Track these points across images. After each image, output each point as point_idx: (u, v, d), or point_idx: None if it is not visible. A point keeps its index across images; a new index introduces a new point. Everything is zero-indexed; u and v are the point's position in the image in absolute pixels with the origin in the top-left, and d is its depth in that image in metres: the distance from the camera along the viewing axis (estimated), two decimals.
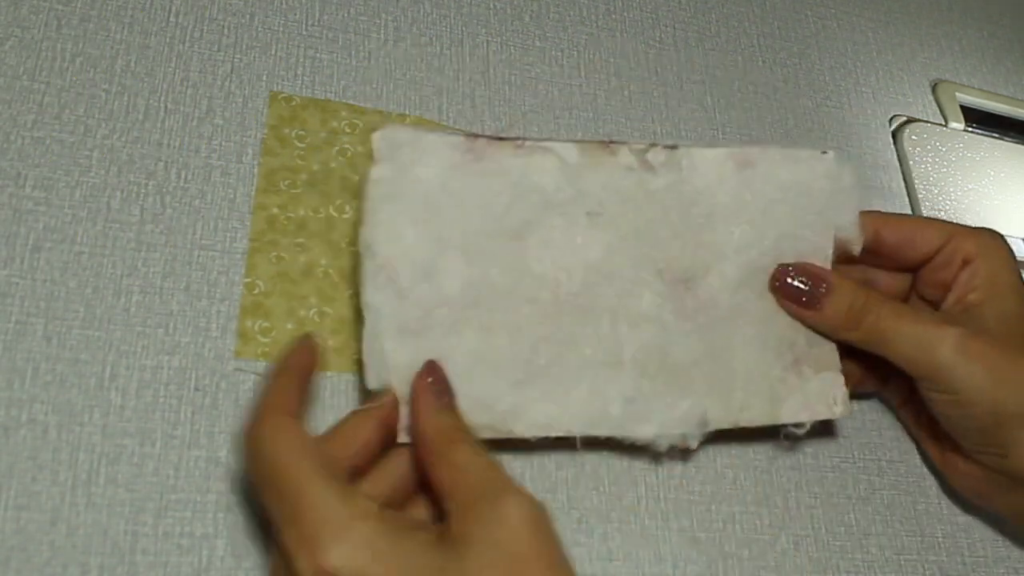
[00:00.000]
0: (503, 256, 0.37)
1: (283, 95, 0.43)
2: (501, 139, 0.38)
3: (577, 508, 0.39)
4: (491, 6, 0.50)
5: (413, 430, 0.33)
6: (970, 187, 0.56)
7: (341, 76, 0.45)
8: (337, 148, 0.43)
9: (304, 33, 0.45)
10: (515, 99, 0.48)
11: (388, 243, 0.36)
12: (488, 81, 0.48)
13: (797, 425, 0.40)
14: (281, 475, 0.30)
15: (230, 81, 0.43)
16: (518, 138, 0.39)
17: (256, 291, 0.39)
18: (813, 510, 0.42)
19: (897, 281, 0.44)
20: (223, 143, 0.41)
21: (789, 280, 0.40)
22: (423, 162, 0.37)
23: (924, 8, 0.63)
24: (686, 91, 0.52)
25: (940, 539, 0.43)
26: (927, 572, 0.42)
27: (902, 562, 0.42)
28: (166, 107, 0.41)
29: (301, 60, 0.45)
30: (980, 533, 0.44)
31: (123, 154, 0.40)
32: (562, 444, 0.38)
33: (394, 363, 0.35)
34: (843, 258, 0.42)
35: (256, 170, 0.41)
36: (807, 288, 0.40)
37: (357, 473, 0.33)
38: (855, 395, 0.44)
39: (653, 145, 0.40)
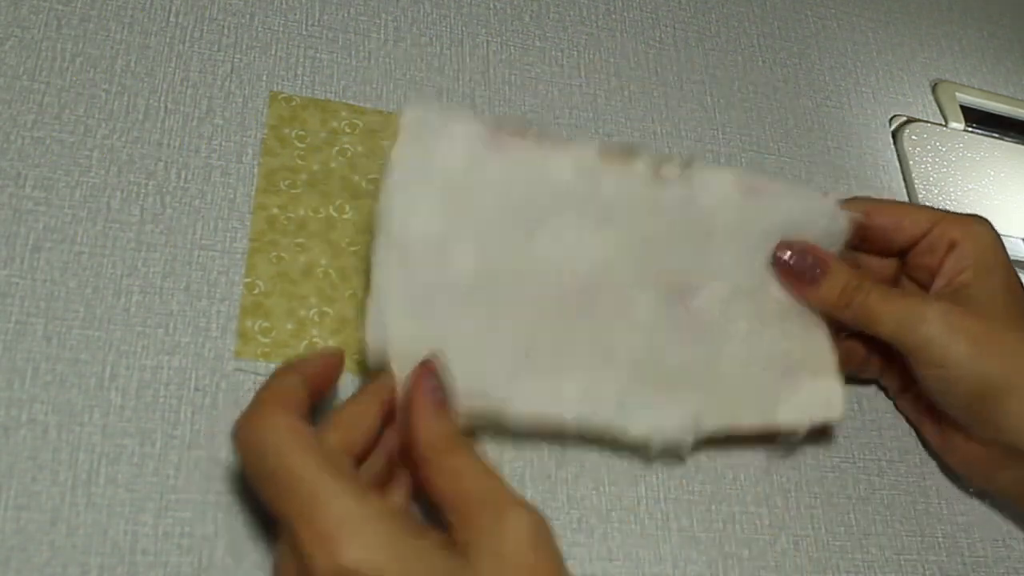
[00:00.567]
0: (513, 246, 0.38)
1: (283, 95, 0.43)
2: (523, 134, 0.39)
3: (577, 508, 0.39)
4: (491, 6, 0.50)
5: (409, 435, 0.33)
6: (970, 187, 0.56)
7: (341, 76, 0.45)
8: (337, 148, 0.43)
9: (304, 33, 0.45)
10: (515, 99, 0.48)
11: (404, 220, 0.37)
12: (488, 81, 0.48)
13: (792, 433, 0.40)
14: (288, 473, 0.30)
15: (230, 81, 0.43)
16: (539, 135, 0.40)
17: (256, 291, 0.39)
18: (813, 510, 0.42)
19: (886, 265, 0.45)
20: (223, 143, 0.41)
21: (789, 256, 0.42)
22: (446, 146, 0.38)
23: (924, 8, 0.63)
24: (686, 91, 0.52)
25: (940, 539, 0.43)
26: (927, 572, 0.42)
27: (902, 562, 0.42)
28: (166, 107, 0.41)
29: (301, 60, 0.45)
30: (980, 533, 0.44)
31: (123, 154, 0.40)
32: (557, 438, 0.38)
33: (396, 343, 0.35)
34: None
35: (256, 170, 0.41)
36: (806, 266, 0.41)
37: (359, 460, 0.33)
38: (858, 379, 0.45)
39: (670, 159, 0.41)
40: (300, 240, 0.40)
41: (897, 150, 0.55)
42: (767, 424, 0.40)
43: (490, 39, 0.49)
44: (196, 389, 0.36)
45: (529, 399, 0.37)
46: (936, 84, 0.59)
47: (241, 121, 0.42)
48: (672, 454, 0.40)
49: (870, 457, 0.44)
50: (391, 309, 0.36)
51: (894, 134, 0.56)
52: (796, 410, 0.40)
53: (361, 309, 0.36)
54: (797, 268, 0.42)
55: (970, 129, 0.58)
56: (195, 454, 0.35)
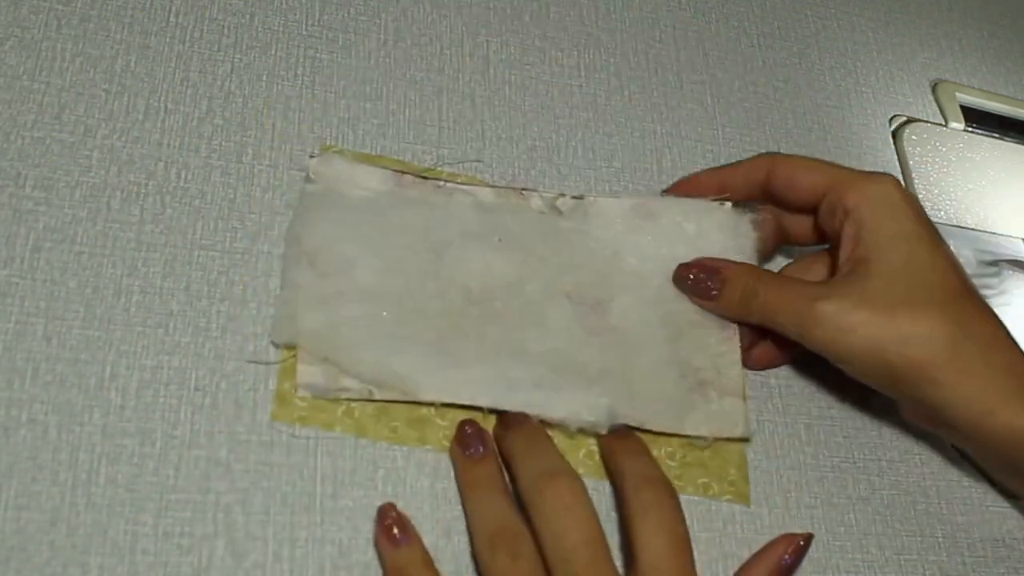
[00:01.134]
0: (421, 263, 0.40)
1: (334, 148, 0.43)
2: (425, 178, 0.42)
3: None
4: (491, 6, 0.50)
5: (382, 567, 0.35)
6: (970, 187, 0.56)
7: (341, 76, 0.45)
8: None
9: (304, 33, 0.45)
10: (515, 99, 0.48)
11: (313, 237, 0.39)
12: (488, 81, 0.48)
13: (699, 438, 0.41)
14: None
15: (230, 81, 0.43)
16: (440, 179, 0.43)
17: (294, 352, 0.38)
18: (813, 510, 0.42)
19: (804, 224, 0.44)
20: (223, 143, 0.41)
21: (688, 276, 0.42)
22: (353, 184, 0.41)
23: (924, 8, 0.63)
24: (686, 91, 0.52)
25: (940, 539, 0.43)
26: (927, 572, 0.42)
27: (902, 562, 0.42)
28: (166, 107, 0.41)
29: (301, 60, 0.45)
30: (980, 533, 0.44)
31: (123, 154, 0.40)
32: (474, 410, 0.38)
33: (303, 326, 0.37)
34: (755, 196, 0.44)
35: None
36: (704, 282, 0.42)
37: None
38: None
39: (562, 194, 0.44)
40: None
41: (897, 150, 0.55)
42: (677, 430, 0.40)
43: (490, 39, 0.49)
44: (196, 389, 0.36)
45: (440, 386, 0.38)
46: (936, 84, 0.60)
47: (241, 121, 0.42)
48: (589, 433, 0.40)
49: (870, 457, 0.44)
50: (300, 301, 0.38)
51: (894, 134, 0.56)
52: (703, 423, 0.41)
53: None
54: (694, 287, 0.42)
55: (970, 129, 0.58)
56: (195, 454, 0.35)
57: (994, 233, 0.55)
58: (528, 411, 0.38)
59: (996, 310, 0.41)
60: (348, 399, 0.37)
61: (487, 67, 0.48)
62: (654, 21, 0.53)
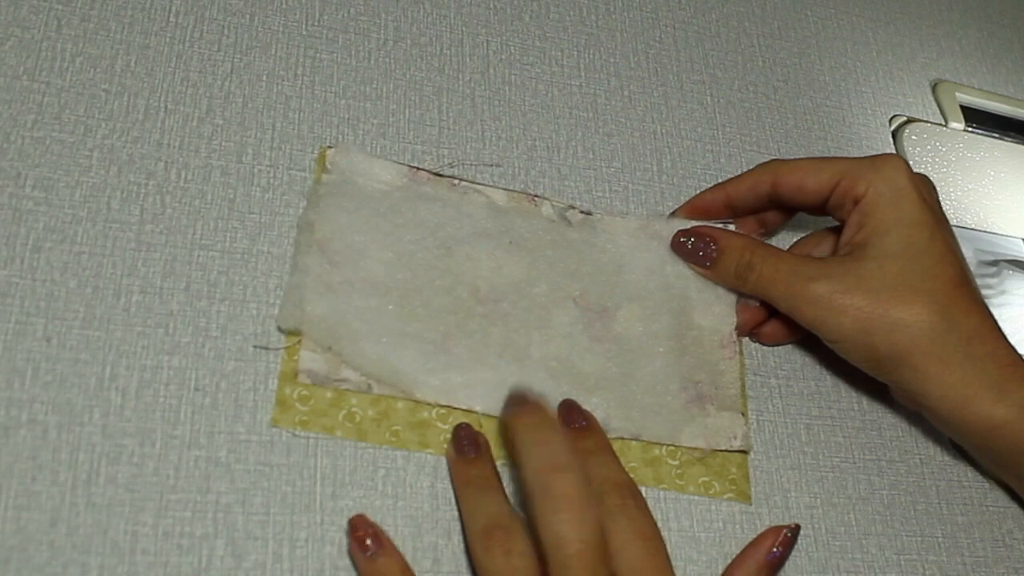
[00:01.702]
0: (430, 258, 0.40)
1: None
2: (440, 175, 0.43)
3: None
4: (491, 6, 0.50)
5: None
6: (970, 187, 0.56)
7: (341, 76, 0.45)
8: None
9: (304, 33, 0.45)
10: (515, 99, 0.48)
11: (325, 225, 0.40)
12: (488, 81, 0.48)
13: (694, 449, 0.41)
14: None
15: (230, 81, 0.43)
16: (455, 178, 0.43)
17: (295, 357, 0.38)
18: (813, 510, 0.42)
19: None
20: (223, 143, 0.41)
21: (686, 241, 0.43)
22: (369, 176, 0.42)
23: (924, 8, 0.63)
24: (686, 91, 0.52)
25: (940, 539, 0.43)
26: (927, 572, 0.42)
27: (902, 562, 0.42)
28: (166, 107, 0.41)
29: (301, 60, 0.45)
30: (980, 533, 0.44)
31: (123, 154, 0.40)
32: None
33: (309, 312, 0.38)
34: (763, 207, 0.45)
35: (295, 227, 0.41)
36: (701, 248, 0.43)
37: None
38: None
39: (572, 206, 0.45)
40: None
41: (897, 150, 0.55)
42: (672, 442, 0.40)
43: (490, 39, 0.49)
44: (196, 389, 0.36)
45: (438, 388, 0.38)
46: (936, 84, 0.60)
47: (241, 121, 0.42)
48: None
49: (870, 457, 0.44)
50: (308, 288, 0.38)
51: (894, 134, 0.56)
52: (699, 436, 0.41)
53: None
54: (693, 251, 0.43)
55: (970, 129, 0.58)
56: (195, 454, 0.35)
57: (994, 233, 0.55)
58: None
59: (996, 310, 0.41)
60: (347, 390, 0.37)
61: (487, 67, 0.48)
62: (654, 21, 0.53)
